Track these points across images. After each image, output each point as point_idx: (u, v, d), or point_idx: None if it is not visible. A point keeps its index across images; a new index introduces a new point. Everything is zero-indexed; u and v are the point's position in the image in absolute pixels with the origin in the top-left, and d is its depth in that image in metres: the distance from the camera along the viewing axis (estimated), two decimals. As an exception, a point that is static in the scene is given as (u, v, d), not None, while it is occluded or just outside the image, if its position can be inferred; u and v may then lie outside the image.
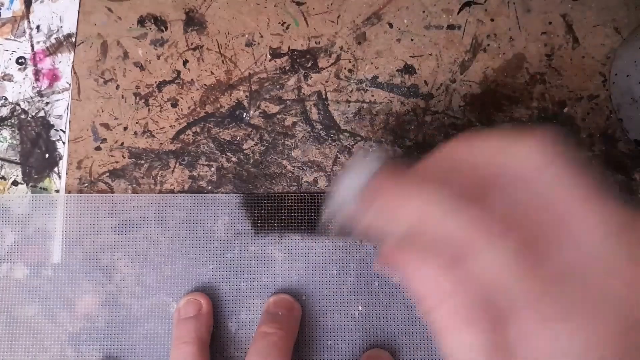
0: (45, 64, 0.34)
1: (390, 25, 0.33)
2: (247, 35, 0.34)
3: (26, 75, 0.34)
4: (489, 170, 0.17)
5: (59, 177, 0.32)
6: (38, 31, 0.34)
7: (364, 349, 0.30)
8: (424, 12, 0.34)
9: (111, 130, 0.33)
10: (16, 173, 0.32)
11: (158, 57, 0.33)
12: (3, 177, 0.32)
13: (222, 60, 0.33)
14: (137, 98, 0.33)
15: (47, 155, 0.33)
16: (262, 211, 0.31)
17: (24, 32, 0.34)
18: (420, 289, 0.17)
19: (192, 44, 0.34)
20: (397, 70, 0.33)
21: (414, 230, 0.16)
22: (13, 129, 0.33)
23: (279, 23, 0.34)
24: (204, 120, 0.33)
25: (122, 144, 0.33)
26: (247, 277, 0.31)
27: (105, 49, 0.34)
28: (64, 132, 0.33)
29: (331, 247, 0.31)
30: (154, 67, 0.33)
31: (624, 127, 0.32)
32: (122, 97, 0.33)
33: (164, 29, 0.34)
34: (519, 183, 0.16)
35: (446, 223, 0.16)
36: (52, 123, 0.33)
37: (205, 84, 0.33)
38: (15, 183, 0.32)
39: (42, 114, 0.33)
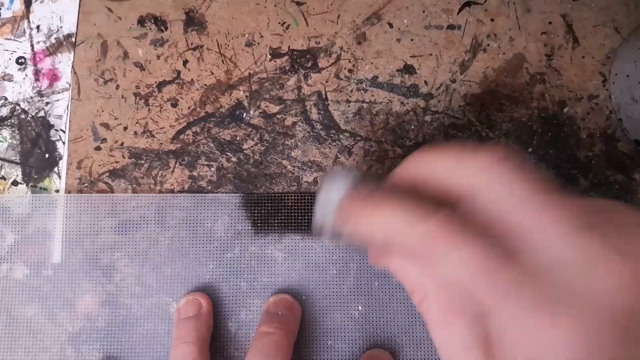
0: (45, 64, 0.34)
1: (390, 25, 0.33)
2: (247, 35, 0.34)
3: (26, 75, 0.34)
4: (449, 181, 0.18)
5: (59, 177, 0.32)
6: (38, 31, 0.34)
7: (364, 349, 0.30)
8: (424, 12, 0.34)
9: (111, 130, 0.33)
10: (16, 173, 0.32)
11: (158, 57, 0.33)
12: (3, 177, 0.32)
13: (222, 60, 0.33)
14: (137, 98, 0.33)
15: (47, 155, 0.33)
16: (262, 211, 0.31)
17: (24, 32, 0.34)
18: (407, 285, 0.19)
19: (192, 44, 0.34)
20: (397, 70, 0.33)
21: (387, 241, 0.17)
22: (13, 129, 0.33)
23: (279, 23, 0.34)
24: (204, 120, 0.33)
25: (122, 144, 0.33)
26: (247, 277, 0.31)
27: (105, 49, 0.34)
28: (64, 132, 0.33)
29: (331, 247, 0.31)
30: (154, 67, 0.33)
31: (624, 127, 0.32)
32: (122, 97, 0.33)
33: (164, 29, 0.34)
34: (477, 193, 0.17)
35: (412, 233, 0.17)
36: (52, 123, 0.33)
37: (205, 84, 0.33)
38: (15, 183, 0.32)
39: (42, 114, 0.33)
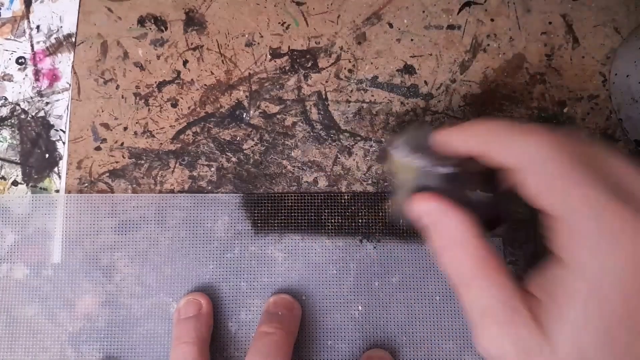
0: (45, 64, 0.34)
1: (390, 25, 0.33)
2: (247, 35, 0.34)
3: (26, 75, 0.34)
4: (499, 154, 0.19)
5: (59, 177, 0.32)
6: (38, 31, 0.34)
7: (364, 349, 0.30)
8: (424, 12, 0.34)
9: (111, 130, 0.33)
10: (16, 173, 0.32)
11: (158, 57, 0.33)
12: (3, 177, 0.32)
13: (222, 60, 0.33)
14: (137, 98, 0.33)
15: (47, 155, 0.33)
16: (262, 211, 0.31)
17: (24, 32, 0.34)
18: (442, 236, 0.19)
19: (192, 44, 0.34)
20: (397, 70, 0.33)
21: (488, 145, 0.19)
22: (13, 129, 0.33)
23: (279, 23, 0.34)
24: (204, 120, 0.33)
25: (122, 144, 0.33)
26: (247, 277, 0.31)
27: (105, 49, 0.34)
28: (64, 132, 0.33)
29: (331, 247, 0.31)
30: (154, 67, 0.33)
31: (624, 127, 0.32)
32: (122, 97, 0.33)
33: (164, 29, 0.34)
34: (524, 170, 0.18)
35: (503, 135, 0.18)
36: (52, 123, 0.33)
37: (205, 84, 0.33)
38: (15, 183, 0.32)
39: (42, 114, 0.33)
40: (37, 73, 0.34)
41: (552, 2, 0.33)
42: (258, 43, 0.34)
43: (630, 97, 0.30)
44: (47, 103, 0.33)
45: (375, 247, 0.31)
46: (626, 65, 0.31)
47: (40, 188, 0.32)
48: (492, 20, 0.33)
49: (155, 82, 0.33)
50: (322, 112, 0.33)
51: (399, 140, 0.23)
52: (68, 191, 0.32)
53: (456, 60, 0.33)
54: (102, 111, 0.33)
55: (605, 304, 0.15)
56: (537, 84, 0.33)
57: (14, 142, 0.33)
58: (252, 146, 0.33)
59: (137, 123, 0.33)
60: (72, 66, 0.34)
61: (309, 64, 0.33)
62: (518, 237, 0.30)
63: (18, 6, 0.34)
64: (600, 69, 0.33)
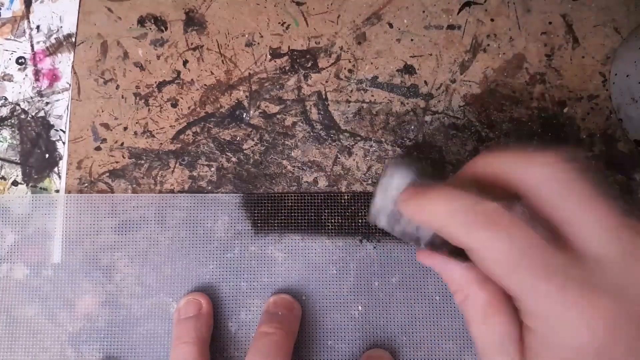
0: (45, 64, 0.34)
1: (390, 25, 0.33)
2: (247, 35, 0.34)
3: (26, 75, 0.34)
4: (510, 177, 0.19)
5: (59, 177, 0.32)
6: (38, 31, 0.34)
7: (364, 349, 0.30)
8: (424, 12, 0.34)
9: (111, 130, 0.33)
10: (16, 173, 0.32)
11: (158, 57, 0.33)
12: (3, 177, 0.32)
13: (222, 60, 0.33)
14: (137, 98, 0.33)
15: (47, 155, 0.33)
16: (262, 211, 0.31)
17: (24, 32, 0.34)
18: (451, 285, 0.21)
19: (192, 44, 0.34)
20: (397, 70, 0.33)
21: (447, 221, 0.19)
22: (13, 129, 0.33)
23: (279, 23, 0.34)
24: (204, 120, 0.33)
25: (122, 144, 0.33)
26: (247, 277, 0.31)
27: (105, 49, 0.34)
28: (64, 132, 0.33)
29: (331, 247, 0.31)
30: (154, 67, 0.33)
31: (624, 127, 0.32)
32: (122, 97, 0.33)
33: (164, 29, 0.34)
34: (535, 189, 0.19)
35: (472, 212, 0.18)
36: (52, 123, 0.33)
37: (205, 84, 0.33)
38: (15, 183, 0.32)
39: (42, 114, 0.33)
40: (37, 73, 0.34)
41: (552, 2, 0.33)
42: (258, 43, 0.34)
43: (630, 97, 0.30)
44: (47, 103, 0.33)
45: (375, 247, 0.31)
46: (626, 65, 0.31)
47: (40, 188, 0.32)
48: (492, 20, 0.33)
49: (155, 82, 0.33)
50: (322, 112, 0.33)
51: (376, 208, 0.22)
52: (68, 191, 0.32)
53: (456, 60, 0.33)
54: (102, 111, 0.33)
55: None
56: (537, 84, 0.33)
57: (14, 142, 0.33)
58: (252, 146, 0.33)
59: (137, 123, 0.33)
60: (72, 66, 0.34)
61: (309, 64, 0.33)
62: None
63: (18, 6, 0.34)
64: (600, 69, 0.33)
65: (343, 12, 0.34)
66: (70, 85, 0.33)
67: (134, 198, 0.32)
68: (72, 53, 0.34)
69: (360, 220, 0.31)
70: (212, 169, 0.32)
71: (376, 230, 0.31)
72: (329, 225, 0.31)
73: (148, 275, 0.31)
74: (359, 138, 0.32)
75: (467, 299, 0.20)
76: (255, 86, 0.33)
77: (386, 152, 0.32)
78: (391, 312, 0.30)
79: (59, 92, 0.33)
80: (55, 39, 0.34)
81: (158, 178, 0.32)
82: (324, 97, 0.33)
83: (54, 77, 0.34)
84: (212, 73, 0.33)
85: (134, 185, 0.32)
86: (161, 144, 0.33)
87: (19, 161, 0.33)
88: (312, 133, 0.33)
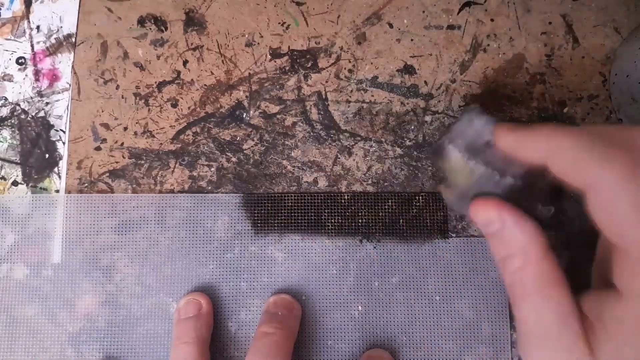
0: (45, 64, 0.34)
1: (390, 25, 0.33)
2: (247, 35, 0.34)
3: (26, 75, 0.34)
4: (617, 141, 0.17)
5: (59, 177, 0.32)
6: (38, 31, 0.34)
7: (364, 349, 0.30)
8: (424, 12, 0.34)
9: (111, 130, 0.33)
10: (16, 173, 0.33)
11: (158, 57, 0.33)
12: (3, 177, 0.32)
13: (222, 60, 0.33)
14: (137, 98, 0.33)
15: (47, 155, 0.33)
16: (262, 211, 0.31)
17: (24, 32, 0.34)
18: (507, 249, 0.19)
19: (192, 44, 0.34)
20: (397, 70, 0.33)
21: (548, 152, 0.18)
22: (13, 129, 0.33)
23: (279, 23, 0.34)
24: (204, 120, 0.33)
25: (122, 144, 0.33)
26: (247, 277, 0.31)
27: (105, 49, 0.34)
28: (64, 132, 0.33)
29: (331, 247, 0.31)
30: (154, 67, 0.33)
31: (624, 127, 0.32)
32: (122, 97, 0.33)
33: (164, 29, 0.34)
34: (594, 190, 0.17)
35: (574, 145, 0.17)
36: (52, 123, 0.33)
37: (205, 84, 0.33)
38: (15, 183, 0.32)
39: (42, 114, 0.33)
40: (37, 73, 0.34)
41: (552, 2, 0.33)
42: (258, 43, 0.34)
43: (630, 97, 0.30)
44: (47, 103, 0.33)
45: (375, 247, 0.31)
46: (626, 65, 0.31)
47: (40, 188, 0.32)
48: (492, 20, 0.33)
49: (155, 82, 0.33)
50: (322, 112, 0.33)
51: (456, 132, 0.21)
52: (68, 191, 0.32)
53: (456, 60, 0.33)
54: (102, 111, 0.33)
55: None
56: (537, 84, 0.33)
57: (14, 142, 0.33)
58: (252, 146, 0.33)
59: (137, 123, 0.33)
60: (72, 66, 0.34)
61: (309, 64, 0.33)
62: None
63: (18, 6, 0.34)
64: (600, 69, 0.33)
65: (343, 12, 0.34)
66: (70, 85, 0.33)
67: (134, 198, 0.32)
68: (72, 53, 0.34)
69: (360, 220, 0.31)
70: (212, 169, 0.32)
71: (376, 230, 0.31)
72: (329, 225, 0.31)
73: (148, 275, 0.31)
74: (359, 138, 0.32)
75: (525, 266, 0.18)
76: (255, 86, 0.33)
77: (386, 152, 0.32)
78: (391, 312, 0.30)
79: (59, 92, 0.33)
80: (55, 39, 0.34)
81: (158, 178, 0.32)
82: (324, 97, 0.33)
83: (54, 77, 0.34)
84: (212, 73, 0.33)
85: (134, 185, 0.32)
86: (161, 144, 0.33)
87: (19, 161, 0.33)
88: (312, 133, 0.33)
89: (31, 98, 0.33)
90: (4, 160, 0.33)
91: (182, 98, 0.33)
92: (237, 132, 0.33)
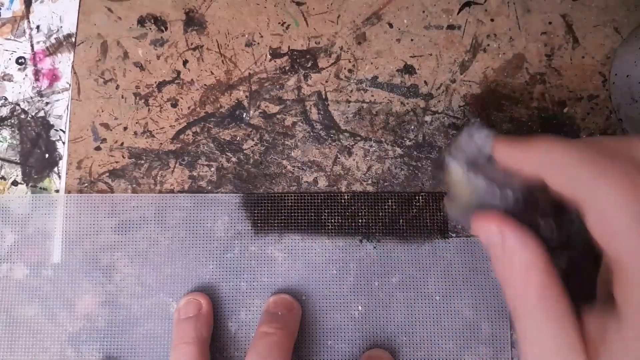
0: (45, 64, 0.34)
1: (390, 25, 0.33)
2: (247, 35, 0.34)
3: (26, 75, 0.34)
4: (615, 152, 0.18)
5: (59, 177, 0.32)
6: (38, 31, 0.34)
7: (363, 349, 0.30)
8: (424, 12, 0.34)
9: (111, 130, 0.33)
10: (16, 173, 0.32)
11: (158, 57, 0.33)
12: (3, 177, 0.32)
13: (222, 60, 0.33)
14: (137, 98, 0.33)
15: (47, 155, 0.33)
16: (262, 211, 0.31)
17: (24, 32, 0.34)
18: (509, 263, 0.18)
19: (192, 44, 0.34)
20: (397, 70, 0.33)
21: (542, 164, 0.18)
22: (13, 129, 0.33)
23: (279, 23, 0.34)
24: (204, 120, 0.33)
25: (122, 144, 0.33)
26: (247, 277, 0.31)
27: (105, 49, 0.34)
28: (64, 132, 0.33)
29: (331, 247, 0.31)
30: (154, 67, 0.33)
31: (624, 127, 0.32)
32: (122, 97, 0.33)
33: (164, 29, 0.34)
34: (586, 204, 0.17)
35: (570, 156, 0.17)
36: (52, 123, 0.33)
37: (205, 84, 0.33)
38: (15, 183, 0.32)
39: (42, 114, 0.33)
40: (37, 73, 0.34)
41: (552, 2, 0.33)
42: (258, 43, 0.34)
43: (630, 97, 0.30)
44: (47, 103, 0.33)
45: (375, 247, 0.31)
46: (626, 65, 0.31)
47: (40, 188, 0.32)
48: (492, 20, 0.33)
49: (155, 82, 0.33)
50: (322, 112, 0.33)
51: (457, 147, 0.22)
52: (68, 191, 0.32)
53: (456, 60, 0.33)
54: (102, 111, 0.33)
55: None
56: (537, 84, 0.33)
57: (14, 142, 0.33)
58: (252, 146, 0.33)
59: (137, 123, 0.33)
60: (72, 66, 0.34)
61: (309, 64, 0.33)
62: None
63: (18, 6, 0.34)
64: (600, 69, 0.33)
65: (343, 12, 0.34)
66: (70, 85, 0.33)
67: (134, 198, 0.32)
68: (72, 53, 0.34)
69: (360, 220, 0.31)
70: (212, 169, 0.32)
71: (376, 230, 0.31)
72: (329, 225, 0.31)
73: (148, 275, 0.31)
74: (359, 138, 0.32)
75: (527, 284, 0.18)
76: (255, 86, 0.33)
77: (386, 152, 0.32)
78: (391, 312, 0.30)
79: (59, 92, 0.33)
80: (55, 39, 0.34)
81: (158, 178, 0.32)
82: (324, 97, 0.33)
83: (54, 77, 0.34)
84: (212, 73, 0.33)
85: (134, 185, 0.32)
86: (161, 144, 0.33)
87: (19, 161, 0.33)
88: (312, 133, 0.33)
89: (31, 98, 0.33)
90: (4, 160, 0.33)
91: (182, 98, 0.33)
92: (237, 132, 0.33)
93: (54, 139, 0.33)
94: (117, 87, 0.33)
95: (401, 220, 0.31)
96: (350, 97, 0.33)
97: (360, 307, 0.30)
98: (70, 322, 0.30)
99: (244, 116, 0.33)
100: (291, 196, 0.32)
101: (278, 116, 0.33)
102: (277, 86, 0.33)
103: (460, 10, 0.33)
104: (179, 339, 0.28)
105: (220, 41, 0.34)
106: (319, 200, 0.31)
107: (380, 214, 0.31)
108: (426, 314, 0.30)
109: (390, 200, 0.31)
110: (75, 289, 0.31)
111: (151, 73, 0.33)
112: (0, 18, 0.34)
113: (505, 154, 0.20)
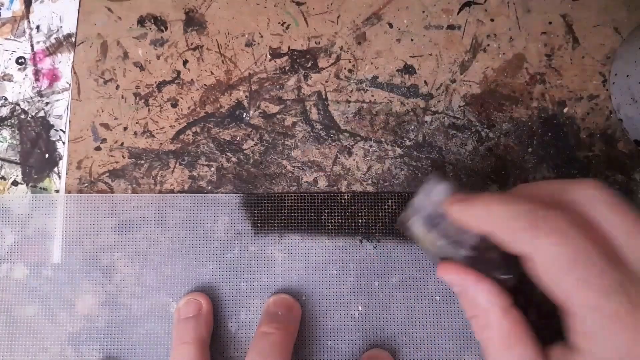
0: (45, 64, 0.34)
1: (390, 25, 0.33)
2: (247, 35, 0.34)
3: (26, 75, 0.34)
4: (551, 198, 0.19)
5: (59, 177, 0.32)
6: (38, 31, 0.34)
7: (363, 349, 0.30)
8: (424, 12, 0.34)
9: (111, 130, 0.33)
10: (16, 173, 0.32)
11: (158, 57, 0.33)
12: (3, 177, 0.32)
13: (222, 60, 0.33)
14: (137, 98, 0.33)
15: (47, 155, 0.33)
16: (262, 211, 0.31)
17: (24, 32, 0.34)
18: (471, 310, 0.20)
19: (192, 44, 0.34)
20: (397, 70, 0.33)
21: (490, 223, 0.19)
22: (13, 129, 0.33)
23: (279, 23, 0.34)
24: (204, 120, 0.33)
25: (122, 144, 0.33)
26: (247, 277, 0.31)
27: (105, 49, 0.34)
28: (64, 132, 0.33)
29: (331, 247, 0.31)
30: (154, 67, 0.33)
31: (624, 127, 0.32)
32: (122, 97, 0.33)
33: (164, 29, 0.34)
34: (584, 208, 0.18)
35: (518, 216, 0.18)
36: (52, 123, 0.33)
37: (205, 84, 0.33)
38: (15, 183, 0.32)
39: (42, 114, 0.33)
40: (37, 73, 0.34)
41: (552, 2, 0.33)
42: (258, 43, 0.34)
43: (630, 97, 0.30)
44: (47, 103, 0.33)
45: (375, 247, 0.31)
46: (626, 65, 0.31)
47: (40, 188, 0.32)
48: (492, 20, 0.33)
49: (155, 82, 0.33)
50: (322, 112, 0.33)
51: (417, 205, 0.23)
52: (68, 191, 0.32)
53: (456, 60, 0.33)
54: (102, 111, 0.33)
55: None
56: (537, 84, 0.33)
57: (14, 142, 0.33)
58: (252, 146, 0.33)
59: (137, 123, 0.33)
60: (72, 66, 0.34)
61: (309, 64, 0.33)
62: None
63: (18, 6, 0.34)
64: (600, 69, 0.33)
65: (343, 12, 0.34)
66: (70, 85, 0.33)
67: (134, 198, 0.32)
68: (72, 53, 0.34)
69: (360, 220, 0.31)
70: (212, 169, 0.32)
71: (376, 230, 0.31)
72: (329, 225, 0.31)
73: (148, 275, 0.31)
74: (359, 138, 0.32)
75: (489, 326, 0.19)
76: (255, 86, 0.33)
77: (386, 152, 0.32)
78: (391, 312, 0.30)
79: (59, 92, 0.33)
80: (55, 39, 0.34)
81: (158, 178, 0.32)
82: (324, 97, 0.33)
83: (54, 77, 0.34)
84: (212, 73, 0.33)
85: (134, 185, 0.32)
86: (161, 144, 0.33)
87: (19, 161, 0.33)
88: (312, 133, 0.33)
89: (31, 98, 0.33)
90: (4, 160, 0.33)
91: (182, 98, 0.33)
92: (237, 132, 0.33)
93: (54, 139, 0.33)
94: (117, 87, 0.33)
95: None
96: (350, 97, 0.33)
97: (360, 307, 0.30)
98: (70, 322, 0.30)
99: (244, 116, 0.33)
100: (291, 196, 0.32)
101: (278, 116, 0.33)
102: (277, 86, 0.33)
103: (460, 10, 0.33)
104: (179, 339, 0.28)
105: (220, 41, 0.34)
106: (319, 200, 0.31)
107: (380, 214, 0.31)
108: (426, 314, 0.30)
109: (390, 200, 0.31)
110: (75, 289, 0.31)
111: (151, 73, 0.33)
112: (0, 18, 0.34)
113: (455, 211, 0.21)
